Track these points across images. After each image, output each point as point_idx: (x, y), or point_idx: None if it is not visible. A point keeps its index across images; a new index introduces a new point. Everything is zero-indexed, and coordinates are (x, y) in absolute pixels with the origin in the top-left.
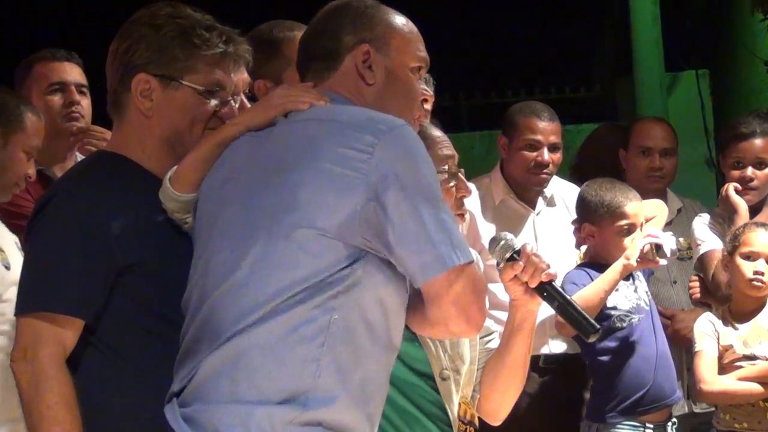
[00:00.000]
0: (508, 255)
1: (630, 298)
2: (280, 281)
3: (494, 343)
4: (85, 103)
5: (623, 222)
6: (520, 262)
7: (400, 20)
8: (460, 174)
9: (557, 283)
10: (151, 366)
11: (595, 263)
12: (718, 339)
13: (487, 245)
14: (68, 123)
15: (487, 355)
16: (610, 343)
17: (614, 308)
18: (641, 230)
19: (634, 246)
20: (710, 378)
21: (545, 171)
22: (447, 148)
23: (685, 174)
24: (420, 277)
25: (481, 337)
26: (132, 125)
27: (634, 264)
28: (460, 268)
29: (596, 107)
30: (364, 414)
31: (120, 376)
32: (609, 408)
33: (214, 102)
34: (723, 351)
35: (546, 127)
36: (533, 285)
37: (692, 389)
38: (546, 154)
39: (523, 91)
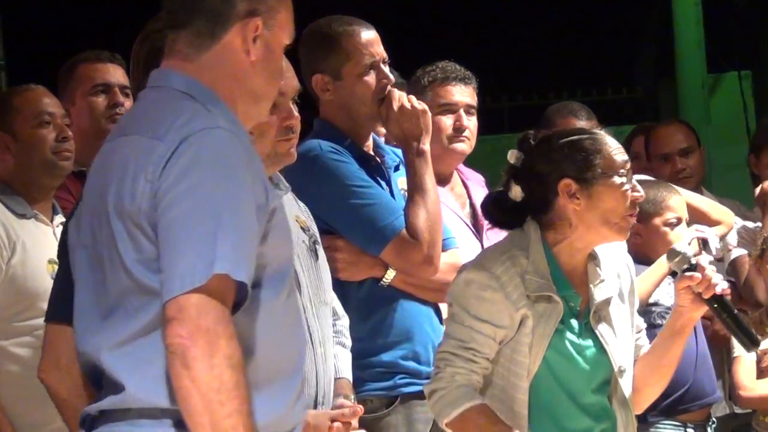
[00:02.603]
0: (685, 267)
1: (672, 295)
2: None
3: (642, 340)
4: (129, 105)
5: (669, 215)
6: (697, 275)
7: None
8: (634, 179)
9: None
10: None
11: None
12: None
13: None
14: (112, 125)
15: (636, 351)
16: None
17: (656, 304)
18: (686, 224)
19: (680, 240)
20: (749, 384)
21: None
22: (621, 154)
23: (726, 175)
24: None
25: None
26: None
27: None
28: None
29: (638, 109)
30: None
31: None
32: (650, 407)
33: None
34: (762, 355)
35: (584, 126)
36: (707, 296)
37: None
38: None
39: (565, 93)
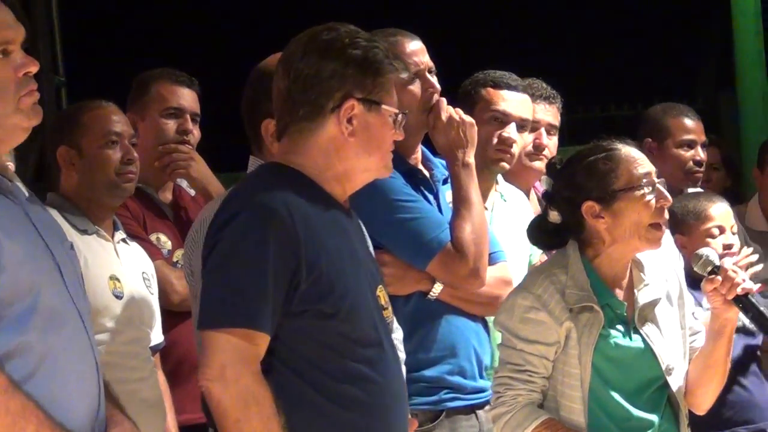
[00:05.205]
0: (708, 269)
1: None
2: None
3: (698, 343)
4: (197, 134)
5: (710, 224)
6: (719, 277)
7: None
8: (658, 185)
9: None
10: (330, 381)
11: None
12: None
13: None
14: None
15: (692, 353)
16: None
17: None
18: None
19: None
20: None
21: (700, 170)
22: (641, 166)
23: None
24: None
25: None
26: (323, 145)
27: None
28: None
29: None
30: None
31: (300, 391)
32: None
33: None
34: None
35: (697, 126)
36: (730, 297)
37: None
38: (701, 152)
39: (625, 106)
